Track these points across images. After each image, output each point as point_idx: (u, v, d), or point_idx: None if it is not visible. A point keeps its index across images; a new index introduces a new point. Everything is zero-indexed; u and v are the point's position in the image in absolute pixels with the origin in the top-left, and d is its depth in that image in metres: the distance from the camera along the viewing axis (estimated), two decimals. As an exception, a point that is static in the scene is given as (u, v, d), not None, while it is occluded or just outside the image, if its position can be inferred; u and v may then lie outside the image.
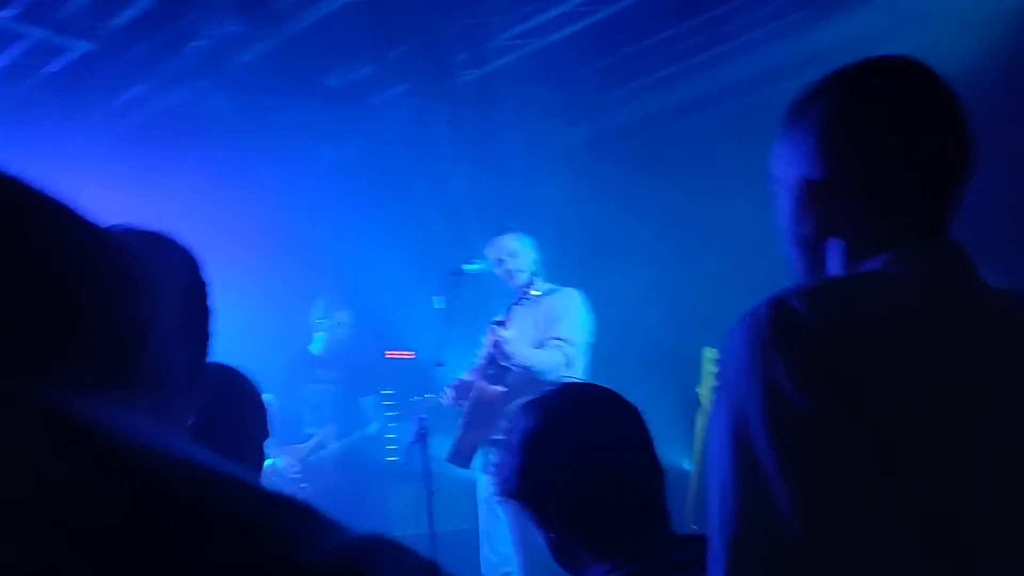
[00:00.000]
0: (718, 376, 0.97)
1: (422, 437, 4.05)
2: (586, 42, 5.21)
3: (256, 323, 5.71)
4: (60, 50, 5.10)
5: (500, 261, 4.35)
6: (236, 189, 5.87)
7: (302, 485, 5.20)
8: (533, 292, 4.14)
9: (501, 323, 4.11)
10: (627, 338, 5.31)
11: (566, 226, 5.47)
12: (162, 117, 5.76)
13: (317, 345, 5.60)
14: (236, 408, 1.94)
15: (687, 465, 4.02)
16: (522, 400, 1.67)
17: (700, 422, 3.97)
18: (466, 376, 4.41)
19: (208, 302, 0.96)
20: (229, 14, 4.89)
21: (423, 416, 4.11)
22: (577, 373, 4.13)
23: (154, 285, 0.78)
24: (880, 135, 1.05)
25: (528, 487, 1.52)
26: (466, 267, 4.36)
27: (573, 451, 1.50)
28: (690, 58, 5.50)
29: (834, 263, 1.08)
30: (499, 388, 4.12)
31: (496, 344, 4.07)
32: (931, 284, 1.00)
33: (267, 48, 5.17)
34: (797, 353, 0.89)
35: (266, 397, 2.08)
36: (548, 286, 4.38)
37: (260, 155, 5.88)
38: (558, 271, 4.56)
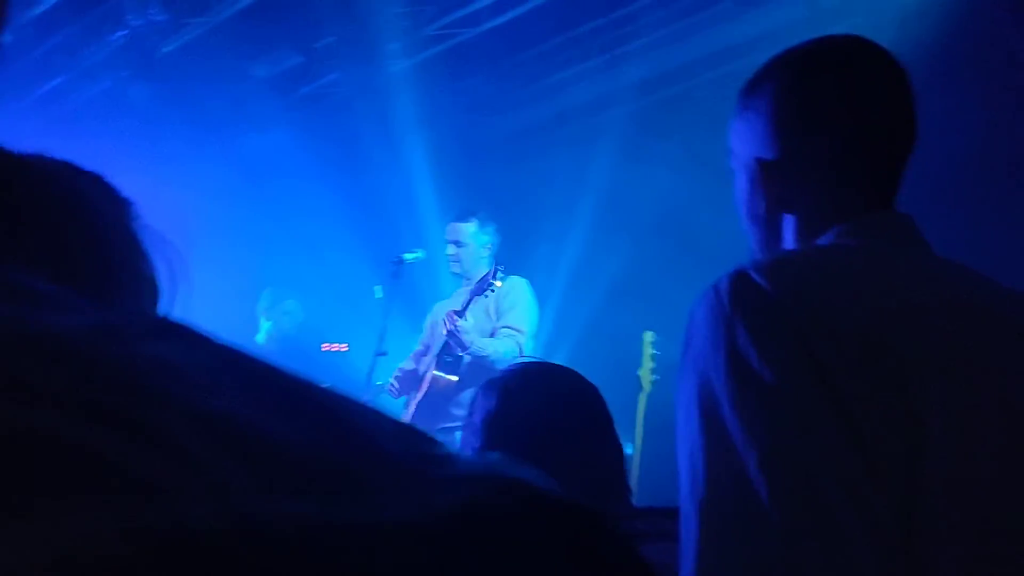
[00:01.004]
0: (682, 349, 0.98)
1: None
2: (517, 31, 5.23)
3: (192, 317, 5.62)
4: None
5: (454, 243, 4.35)
6: (162, 180, 5.76)
7: None
8: (496, 284, 4.15)
9: (460, 313, 4.12)
10: (564, 322, 5.38)
11: (500, 216, 5.51)
12: (84, 108, 5.62)
13: (261, 335, 5.56)
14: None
15: (628, 449, 4.09)
16: (475, 388, 1.68)
17: (641, 404, 4.04)
18: (407, 364, 4.40)
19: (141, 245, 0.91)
20: (152, 3, 4.80)
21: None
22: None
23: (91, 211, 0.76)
24: (829, 112, 1.08)
25: None
26: (406, 256, 4.36)
27: (533, 429, 1.51)
28: (618, 48, 5.55)
29: (788, 238, 1.12)
30: (452, 378, 4.13)
31: (453, 334, 4.08)
32: (883, 254, 1.03)
33: (192, 37, 5.07)
34: (759, 323, 0.91)
35: None
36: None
37: (187, 146, 5.78)
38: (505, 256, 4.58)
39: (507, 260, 4.46)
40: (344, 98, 5.74)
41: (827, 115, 1.09)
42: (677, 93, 5.21)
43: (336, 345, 6.42)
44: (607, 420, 1.57)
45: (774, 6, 4.86)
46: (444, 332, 4.12)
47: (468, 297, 4.17)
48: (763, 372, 0.89)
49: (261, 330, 5.57)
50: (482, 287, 4.14)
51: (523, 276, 4.44)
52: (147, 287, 0.88)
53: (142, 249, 0.89)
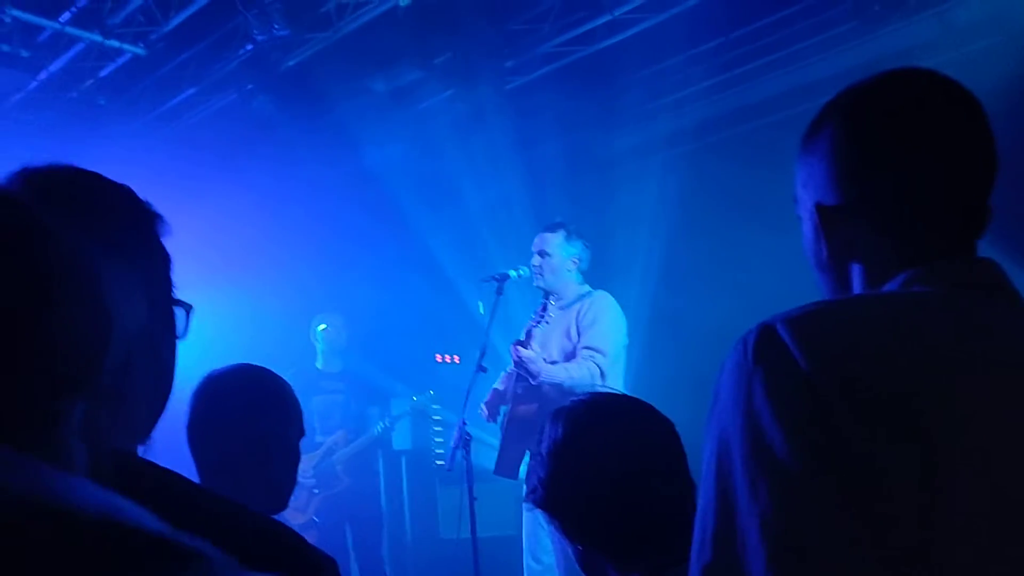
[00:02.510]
0: (711, 401, 0.95)
1: (465, 443, 4.04)
2: (634, 50, 5.19)
3: (296, 328, 5.80)
4: (111, 55, 5.19)
5: (539, 254, 4.31)
6: (279, 190, 5.94)
7: (315, 491, 5.33)
8: (550, 315, 4.09)
9: (523, 343, 4.07)
10: (669, 349, 5.29)
11: (604, 234, 5.46)
12: (211, 121, 5.84)
13: (320, 360, 5.75)
14: (270, 409, 1.94)
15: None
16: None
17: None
18: (498, 385, 4.37)
19: (172, 300, 0.91)
20: (276, 18, 4.94)
21: (465, 422, 4.10)
22: (612, 381, 4.08)
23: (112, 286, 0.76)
24: (888, 153, 1.01)
25: (554, 498, 1.50)
26: (511, 273, 4.34)
27: (599, 463, 1.48)
28: (737, 68, 5.45)
29: (856, 286, 1.05)
30: (530, 406, 4.08)
31: (520, 364, 4.04)
32: (939, 306, 0.95)
33: (313, 52, 5.21)
34: (776, 383, 0.87)
35: None
36: (583, 289, 4.33)
37: (307, 157, 5.95)
38: (598, 278, 4.53)
39: (603, 280, 4.40)
40: (460, 114, 5.80)
41: (887, 156, 1.01)
42: (793, 116, 5.05)
43: (449, 356, 6.51)
44: (676, 455, 1.51)
45: (903, 25, 4.67)
46: (513, 360, 4.08)
47: (529, 326, 4.10)
48: (773, 436, 0.86)
49: (317, 356, 5.77)
50: (539, 318, 4.08)
51: (626, 296, 4.37)
52: (166, 295, 0.88)
53: (165, 263, 0.89)
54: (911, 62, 1.09)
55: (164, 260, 0.91)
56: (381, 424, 5.55)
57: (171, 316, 0.91)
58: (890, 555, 0.81)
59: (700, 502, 0.92)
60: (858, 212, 1.03)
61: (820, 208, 1.05)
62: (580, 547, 1.49)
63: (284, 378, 2.02)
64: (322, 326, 5.73)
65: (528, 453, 4.09)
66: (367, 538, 5.52)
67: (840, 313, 0.96)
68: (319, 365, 5.73)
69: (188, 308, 0.92)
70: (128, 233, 0.85)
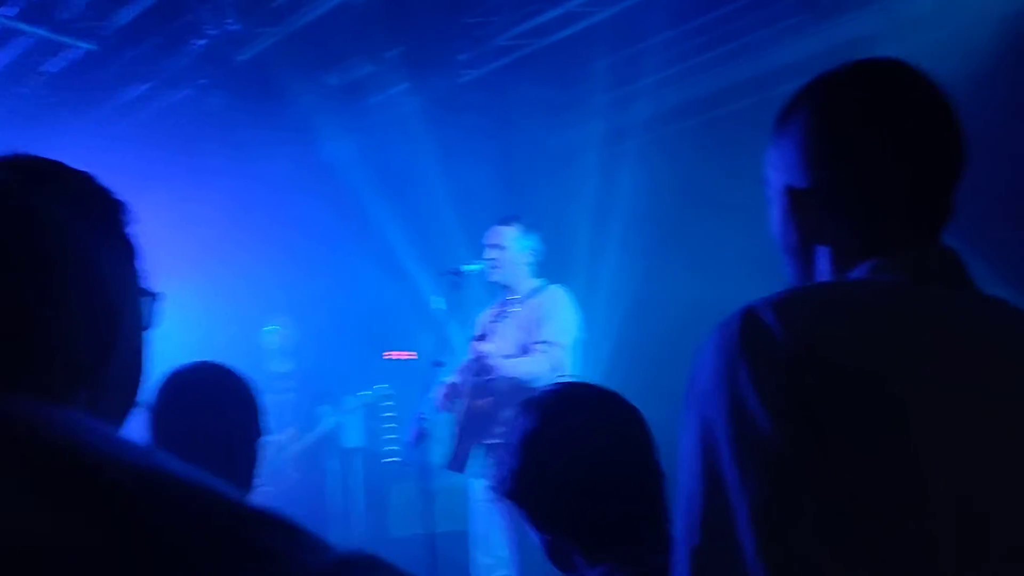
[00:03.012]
0: (687, 386, 0.96)
1: (421, 438, 4.04)
2: (588, 42, 5.21)
3: (239, 323, 5.77)
4: (61, 49, 5.10)
5: (495, 247, 4.30)
6: (235, 186, 5.89)
7: (265, 488, 5.31)
8: (513, 309, 4.10)
9: (480, 338, 4.07)
10: (629, 333, 5.34)
11: (565, 227, 5.49)
12: (165, 116, 5.77)
13: (271, 360, 5.76)
14: (235, 407, 1.94)
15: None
16: (513, 406, 1.66)
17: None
18: (453, 378, 4.37)
19: (139, 290, 0.90)
20: (229, 13, 4.90)
21: (422, 417, 4.10)
22: (568, 374, 4.09)
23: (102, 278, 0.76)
24: (860, 142, 1.04)
25: (524, 488, 1.51)
26: (465, 267, 4.33)
27: (570, 453, 1.48)
28: (690, 59, 5.50)
29: (823, 270, 1.07)
30: (486, 400, 4.09)
31: (478, 359, 4.05)
32: (909, 293, 0.98)
33: (265, 46, 5.17)
34: (762, 367, 0.88)
35: None
36: (537, 283, 4.33)
37: (259, 152, 5.90)
38: (557, 269, 4.55)
39: (567, 272, 4.41)
40: (414, 108, 5.79)
41: (857, 143, 1.04)
42: (747, 107, 5.12)
43: (403, 353, 6.50)
44: (646, 445, 1.53)
45: (852, 17, 4.75)
46: (470, 356, 4.08)
47: (489, 323, 4.11)
48: (760, 420, 0.86)
49: (268, 356, 5.76)
50: (499, 313, 4.09)
51: (589, 289, 4.39)
52: (132, 288, 0.88)
53: (131, 251, 0.89)
54: (859, 54, 1.12)
55: (131, 248, 0.90)
56: (333, 419, 5.56)
57: (138, 307, 0.90)
58: (880, 536, 0.83)
59: (685, 487, 0.92)
60: (827, 198, 1.05)
61: (791, 191, 1.07)
62: (549, 537, 1.49)
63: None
64: (271, 327, 5.71)
65: (482, 447, 4.12)
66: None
67: (821, 299, 0.97)
68: (271, 365, 5.72)
69: (156, 297, 0.92)
70: (95, 220, 0.84)
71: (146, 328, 0.91)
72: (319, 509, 5.65)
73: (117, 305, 0.80)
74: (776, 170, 1.11)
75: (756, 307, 0.92)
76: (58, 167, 0.87)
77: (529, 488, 1.50)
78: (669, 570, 1.31)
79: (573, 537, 1.47)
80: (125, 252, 0.89)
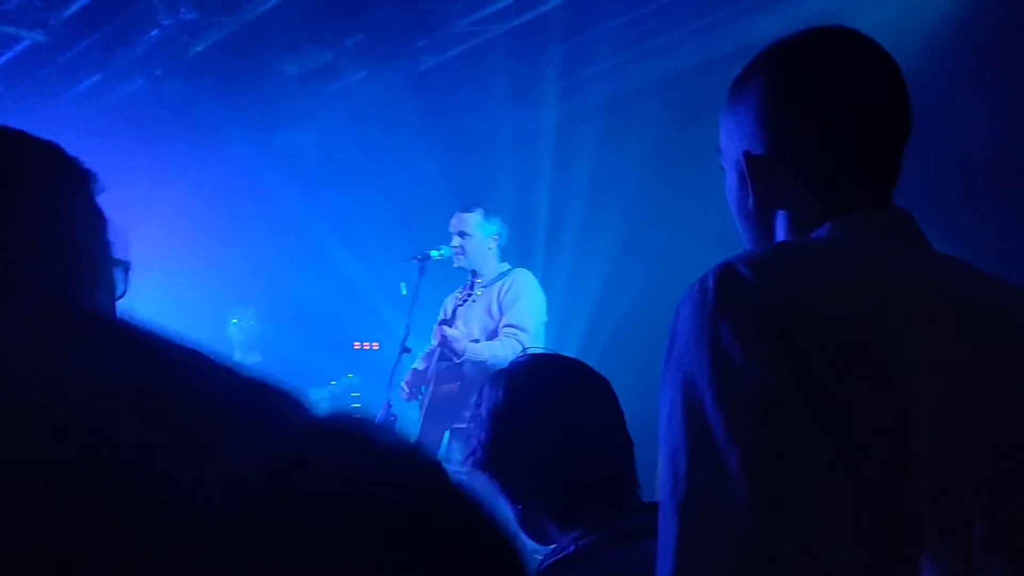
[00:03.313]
0: (667, 346, 0.96)
1: (389, 424, 4.04)
2: (546, 27, 5.22)
3: (207, 318, 5.72)
4: (8, 41, 5.01)
5: (459, 234, 4.30)
6: (195, 177, 5.83)
7: None
8: (477, 292, 4.11)
9: (447, 322, 4.08)
10: (594, 318, 5.37)
11: (526, 210, 5.51)
12: (118, 107, 5.69)
13: (236, 351, 5.68)
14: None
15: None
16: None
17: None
18: (418, 364, 4.36)
19: (110, 260, 0.89)
20: (183, 1, 4.84)
21: (390, 403, 4.10)
22: None
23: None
24: (815, 106, 1.06)
25: (495, 459, 1.52)
26: (433, 253, 4.34)
27: (539, 424, 1.50)
28: (648, 42, 5.52)
29: (780, 234, 1.10)
30: (453, 385, 4.09)
31: (444, 343, 4.05)
32: (874, 250, 1.00)
33: (222, 36, 5.11)
34: (744, 319, 0.89)
35: None
36: (503, 267, 4.35)
37: (219, 142, 5.84)
38: (516, 254, 4.56)
39: (528, 256, 4.42)
40: (373, 95, 5.76)
41: (813, 108, 1.06)
42: (708, 87, 5.15)
43: (368, 343, 6.48)
44: (615, 414, 1.55)
45: (770, 14, 4.82)
46: (436, 340, 4.08)
47: (454, 306, 4.11)
48: (747, 370, 0.87)
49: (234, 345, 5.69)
50: (464, 297, 4.08)
51: (549, 272, 4.40)
52: (105, 253, 0.87)
53: (102, 219, 0.88)
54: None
55: (100, 219, 0.89)
56: None
57: (110, 277, 0.89)
58: (867, 481, 0.84)
59: (667, 446, 0.92)
60: (784, 161, 1.07)
61: (748, 156, 1.09)
62: (520, 506, 1.51)
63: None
64: (233, 320, 5.65)
65: (448, 433, 4.13)
66: None
67: (793, 254, 0.99)
68: (237, 357, 5.66)
69: (126, 266, 0.91)
70: (64, 188, 0.84)
71: (118, 297, 0.90)
72: None
73: (93, 258, 0.80)
74: (731, 139, 1.13)
75: (731, 262, 0.93)
76: (25, 134, 0.86)
77: (499, 459, 1.52)
78: (640, 534, 1.34)
79: (544, 506, 1.49)
80: (96, 217, 0.88)
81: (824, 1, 4.64)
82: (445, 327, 4.03)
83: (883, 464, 0.85)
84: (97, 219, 0.89)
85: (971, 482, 0.87)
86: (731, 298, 0.90)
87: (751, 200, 1.10)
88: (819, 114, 1.06)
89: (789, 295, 0.90)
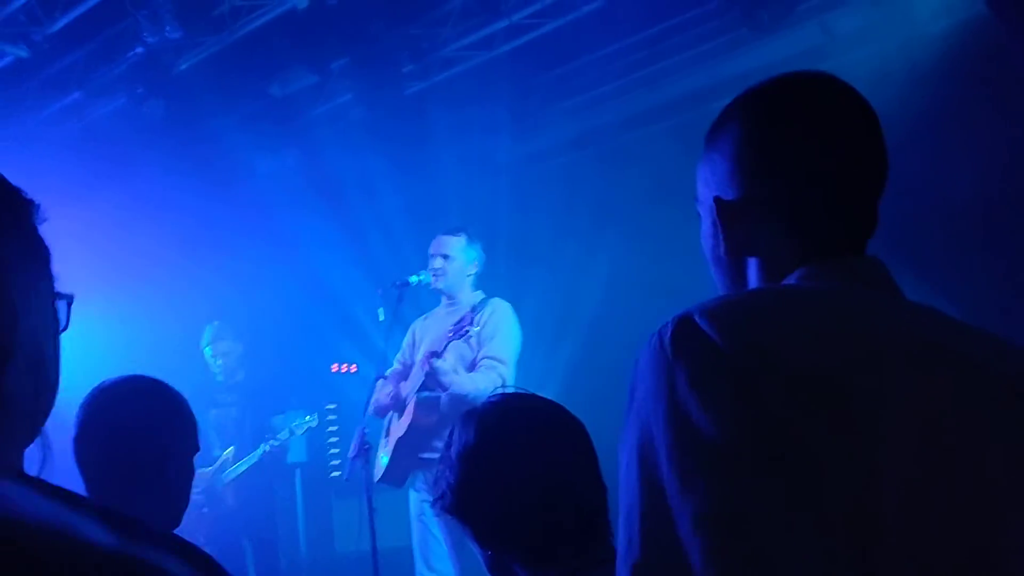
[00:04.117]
0: (627, 397, 0.94)
1: (364, 452, 3.99)
2: (533, 55, 5.23)
3: (181, 338, 5.66)
4: (-10, 55, 4.97)
5: (441, 256, 4.27)
6: (174, 197, 5.78)
7: (203, 510, 5.16)
8: (475, 329, 4.07)
9: (438, 354, 4.02)
10: (582, 349, 5.35)
11: (509, 238, 5.49)
12: (99, 124, 5.64)
13: (219, 373, 5.60)
14: (166, 422, 1.88)
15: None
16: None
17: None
18: (392, 386, 4.30)
19: (52, 293, 0.86)
20: (168, 20, 4.81)
21: (365, 431, 4.05)
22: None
23: None
24: (786, 154, 1.05)
25: (464, 503, 1.48)
26: (412, 279, 4.31)
27: (510, 468, 1.46)
28: (633, 73, 5.55)
29: (753, 281, 1.08)
30: (432, 417, 4.04)
31: (431, 375, 4.01)
32: (842, 297, 0.99)
33: (206, 56, 5.09)
34: (701, 372, 0.87)
35: None
36: (478, 295, 4.32)
37: (200, 162, 5.80)
38: (502, 281, 4.54)
39: (513, 283, 4.39)
40: (358, 119, 5.75)
41: (785, 156, 1.05)
42: (689, 120, 5.17)
43: (346, 366, 6.43)
44: (588, 459, 1.50)
45: (790, 32, 4.83)
46: (423, 370, 4.04)
47: (446, 340, 4.06)
48: (703, 424, 0.85)
49: (213, 364, 5.58)
50: (460, 330, 4.02)
51: (532, 300, 4.38)
52: (45, 284, 0.84)
53: (44, 252, 0.85)
54: (799, 68, 1.13)
55: (41, 252, 0.86)
56: (265, 446, 5.31)
57: (52, 310, 0.86)
58: (831, 531, 0.82)
59: (624, 501, 0.90)
60: (757, 208, 1.06)
61: (719, 202, 1.07)
62: (490, 552, 1.47)
63: (179, 390, 1.96)
64: (207, 348, 5.55)
65: (421, 462, 4.08)
66: (264, 557, 5.38)
67: (754, 302, 0.98)
68: (219, 378, 5.58)
69: (69, 299, 0.88)
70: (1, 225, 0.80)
71: (61, 331, 0.87)
72: (266, 530, 5.48)
73: (15, 306, 0.76)
74: (706, 184, 1.12)
75: (688, 313, 0.92)
76: None
77: (468, 503, 1.47)
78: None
79: (514, 551, 1.45)
80: (31, 252, 0.85)
81: (808, 38, 4.67)
82: (436, 360, 3.98)
83: (851, 517, 0.82)
84: (39, 254, 0.86)
85: (938, 536, 0.84)
86: (687, 349, 0.89)
87: (723, 246, 1.08)
88: (792, 161, 1.05)
89: (751, 344, 0.88)
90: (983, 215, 4.07)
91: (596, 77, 5.65)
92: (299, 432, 5.37)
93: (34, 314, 0.80)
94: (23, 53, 4.92)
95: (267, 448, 5.30)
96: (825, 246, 1.03)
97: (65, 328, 0.88)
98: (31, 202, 0.84)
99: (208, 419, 5.35)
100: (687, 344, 0.89)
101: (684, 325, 0.91)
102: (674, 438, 0.86)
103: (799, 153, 1.04)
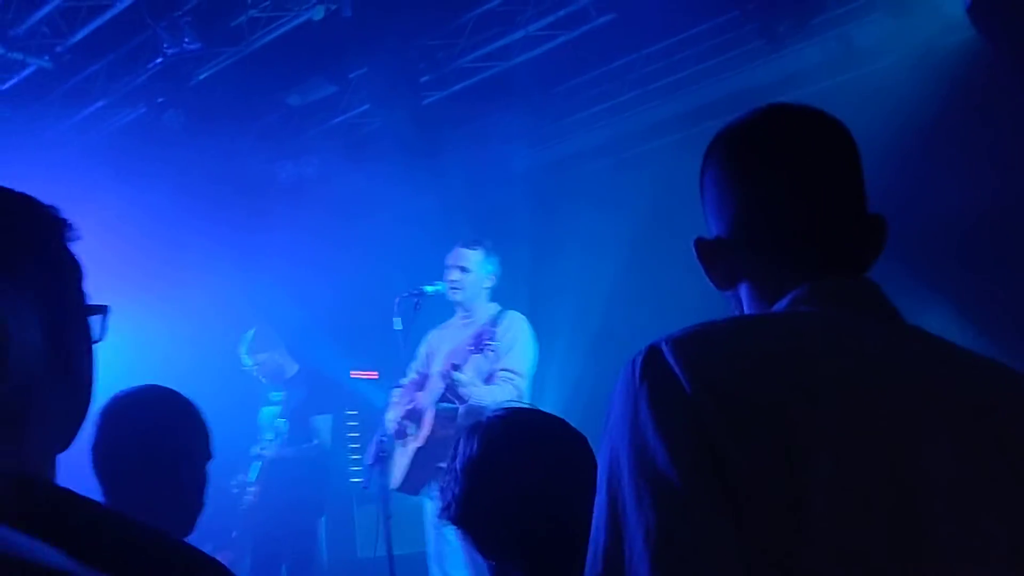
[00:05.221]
0: (605, 421, 0.99)
1: (381, 459, 4.01)
2: (549, 66, 5.25)
3: (213, 344, 5.68)
4: (15, 66, 5.03)
5: (459, 269, 4.29)
6: (194, 208, 5.82)
7: (251, 489, 5.20)
8: (493, 343, 4.06)
9: (458, 367, 4.04)
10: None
11: (525, 248, 5.50)
12: (121, 134, 5.70)
13: (258, 377, 5.60)
14: (180, 431, 1.90)
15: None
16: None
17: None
18: (408, 399, 4.32)
19: (84, 308, 0.88)
20: (187, 31, 4.86)
21: (382, 439, 4.07)
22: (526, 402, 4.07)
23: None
24: (754, 188, 1.08)
25: (468, 515, 1.51)
26: (427, 288, 4.32)
27: (513, 481, 1.48)
28: (650, 84, 5.55)
29: (747, 307, 1.11)
30: (451, 429, 4.03)
31: (451, 387, 4.02)
32: (809, 324, 1.01)
33: (225, 66, 5.13)
34: (658, 400, 0.91)
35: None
36: (493, 308, 4.34)
37: (219, 172, 5.85)
38: (510, 295, 4.54)
39: (525, 294, 4.40)
40: (375, 129, 5.78)
41: (752, 190, 1.08)
42: (706, 131, 5.18)
43: (366, 372, 6.44)
44: (592, 470, 1.51)
45: (807, 44, 4.83)
46: (443, 382, 4.05)
47: (467, 353, 4.07)
48: (655, 449, 0.89)
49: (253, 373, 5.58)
50: (481, 344, 4.03)
51: (546, 311, 4.38)
52: (78, 303, 0.86)
53: (77, 269, 0.88)
54: (815, 81, 1.15)
55: (72, 269, 0.88)
56: (326, 436, 5.40)
57: (84, 325, 0.88)
58: (762, 561, 0.85)
59: (594, 517, 0.94)
60: (735, 243, 1.09)
61: (697, 243, 1.12)
62: (494, 563, 1.49)
63: (204, 397, 1.98)
64: (246, 359, 5.52)
65: (438, 471, 4.09)
66: (302, 548, 5.37)
67: (721, 334, 1.00)
68: (263, 381, 5.58)
69: (104, 311, 0.90)
70: (24, 247, 0.82)
71: (94, 342, 0.90)
72: (305, 519, 5.45)
73: (59, 323, 0.79)
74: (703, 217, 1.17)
75: (657, 343, 0.96)
76: None
77: (472, 514, 1.50)
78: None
79: (517, 562, 1.48)
80: (66, 270, 0.87)
81: (825, 50, 4.66)
82: (456, 372, 4.00)
83: (781, 540, 0.85)
84: (69, 273, 0.88)
85: (861, 561, 0.86)
86: (650, 379, 0.93)
87: (715, 278, 1.13)
88: (757, 196, 1.08)
89: (705, 380, 0.91)
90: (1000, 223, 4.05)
91: (612, 88, 5.67)
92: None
93: (66, 335, 0.83)
94: (46, 64, 4.98)
95: (324, 440, 5.35)
96: (813, 270, 1.05)
97: (101, 339, 0.90)
98: (63, 221, 0.86)
99: (260, 417, 5.43)
100: (651, 374, 0.94)
101: (652, 355, 0.95)
102: (633, 461, 0.91)
103: (763, 186, 1.07)
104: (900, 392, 0.94)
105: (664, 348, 0.95)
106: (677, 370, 0.92)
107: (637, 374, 0.94)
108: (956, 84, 4.10)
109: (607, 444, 0.96)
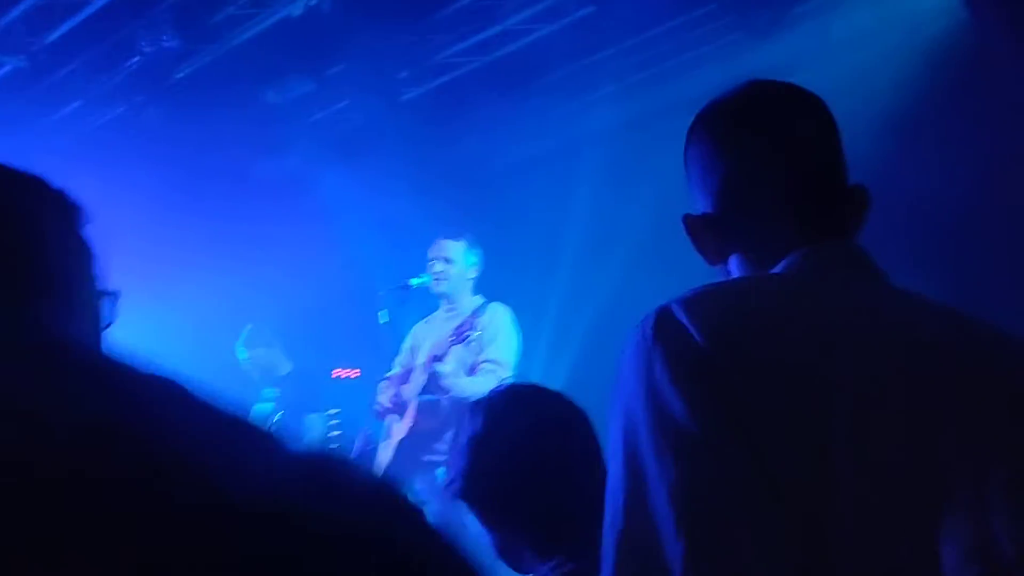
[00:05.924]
0: (614, 385, 1.02)
1: (366, 452, 4.02)
2: (528, 60, 5.25)
3: (202, 343, 5.64)
4: (-10, 65, 4.99)
5: (443, 260, 4.31)
6: (173, 204, 5.79)
7: None
8: (475, 333, 4.10)
9: (440, 358, 4.06)
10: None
11: (507, 243, 5.50)
12: (99, 133, 5.66)
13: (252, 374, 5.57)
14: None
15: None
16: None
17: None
18: (394, 388, 4.34)
19: (96, 297, 0.90)
20: (165, 29, 4.83)
21: (369, 432, 4.08)
22: None
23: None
24: (740, 159, 1.11)
25: (472, 488, 1.55)
26: (413, 281, 4.33)
27: (516, 453, 1.53)
28: (630, 77, 5.57)
29: (743, 273, 1.15)
30: (434, 421, 4.07)
31: (433, 379, 4.03)
32: (818, 284, 1.04)
33: (203, 63, 5.11)
34: (675, 358, 0.94)
35: None
36: (476, 300, 4.36)
37: (198, 170, 5.81)
38: (495, 288, 4.55)
39: (507, 287, 4.41)
40: (354, 125, 5.76)
41: (730, 164, 1.11)
42: (687, 124, 5.20)
43: (348, 371, 6.40)
44: (593, 443, 1.57)
45: (787, 35, 4.85)
46: (425, 374, 4.06)
47: (448, 344, 4.09)
48: (675, 406, 0.92)
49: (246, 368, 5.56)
50: (462, 335, 4.06)
51: (527, 303, 4.40)
52: (88, 285, 0.87)
53: (88, 252, 0.88)
54: (795, 72, 1.18)
55: (84, 253, 0.89)
56: (316, 434, 5.38)
57: (95, 310, 0.89)
58: (788, 514, 0.88)
59: (610, 478, 0.97)
60: (723, 215, 1.12)
61: (686, 219, 1.15)
62: (499, 535, 1.54)
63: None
64: (242, 354, 5.52)
65: (421, 465, 4.11)
66: None
67: (729, 292, 1.05)
68: (255, 377, 5.57)
69: (115, 295, 0.91)
70: (45, 220, 0.83)
71: (105, 326, 0.91)
72: None
73: (72, 290, 0.79)
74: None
75: (668, 304, 0.99)
76: (6, 168, 0.86)
77: (477, 488, 1.55)
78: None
79: (522, 534, 1.52)
80: (80, 249, 0.88)
81: (805, 42, 4.69)
82: (438, 364, 4.01)
83: (805, 486, 0.88)
84: (80, 252, 0.89)
85: (886, 511, 0.89)
86: (664, 338, 0.96)
87: (706, 253, 1.16)
88: (746, 162, 1.11)
89: (719, 333, 0.95)
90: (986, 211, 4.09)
91: (591, 81, 5.67)
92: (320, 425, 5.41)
93: (76, 322, 0.83)
94: (22, 63, 4.93)
95: (313, 438, 5.33)
96: (796, 237, 1.08)
97: (111, 323, 0.91)
98: (76, 205, 0.87)
99: (255, 414, 5.39)
100: (664, 333, 0.96)
101: (663, 315, 0.98)
102: (652, 420, 0.93)
103: (738, 158, 1.11)
104: (906, 347, 0.98)
105: (675, 308, 0.98)
106: (691, 328, 0.95)
107: (649, 335, 0.97)
108: (938, 73, 4.14)
109: (619, 407, 0.98)
